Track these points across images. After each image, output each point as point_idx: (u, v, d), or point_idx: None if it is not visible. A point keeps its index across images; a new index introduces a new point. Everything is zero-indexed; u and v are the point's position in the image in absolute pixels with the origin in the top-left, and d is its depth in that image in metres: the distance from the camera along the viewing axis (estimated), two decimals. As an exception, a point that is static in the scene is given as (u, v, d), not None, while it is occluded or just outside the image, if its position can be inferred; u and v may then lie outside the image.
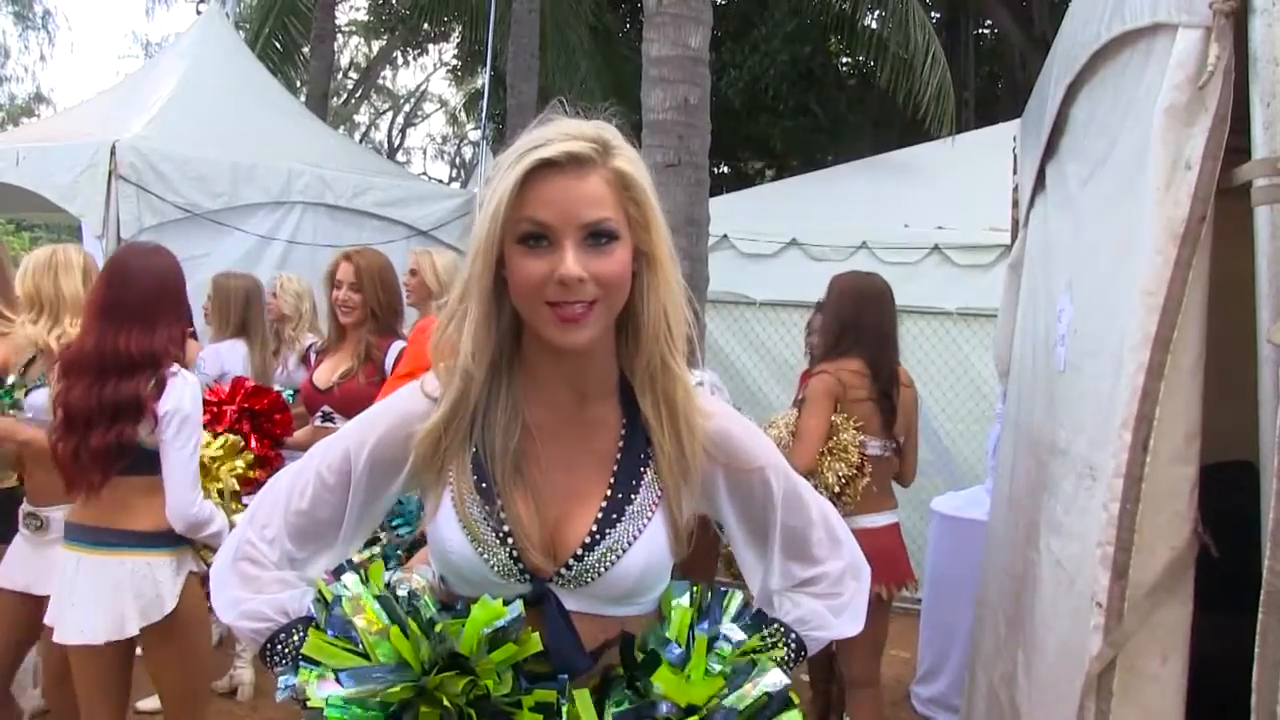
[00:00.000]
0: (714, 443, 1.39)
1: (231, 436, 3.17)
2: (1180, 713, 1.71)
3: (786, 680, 1.38)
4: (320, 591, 1.36)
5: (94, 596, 2.66)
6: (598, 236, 1.25)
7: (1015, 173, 3.75)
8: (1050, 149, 2.83)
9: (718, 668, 1.34)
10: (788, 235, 6.69)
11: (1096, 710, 1.73)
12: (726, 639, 1.37)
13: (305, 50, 13.59)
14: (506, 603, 1.27)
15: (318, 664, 1.28)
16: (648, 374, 1.34)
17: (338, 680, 1.26)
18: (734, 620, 1.41)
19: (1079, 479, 2.02)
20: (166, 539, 2.72)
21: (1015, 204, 3.68)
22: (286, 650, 1.36)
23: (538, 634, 1.27)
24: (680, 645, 1.34)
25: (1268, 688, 1.37)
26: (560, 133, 1.26)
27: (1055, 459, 2.28)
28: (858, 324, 3.63)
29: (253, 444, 3.28)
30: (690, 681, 1.30)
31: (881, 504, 3.63)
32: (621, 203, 1.27)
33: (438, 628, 1.28)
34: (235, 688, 4.43)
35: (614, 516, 1.33)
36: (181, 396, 2.70)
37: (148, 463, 2.70)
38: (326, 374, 3.73)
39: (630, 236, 1.29)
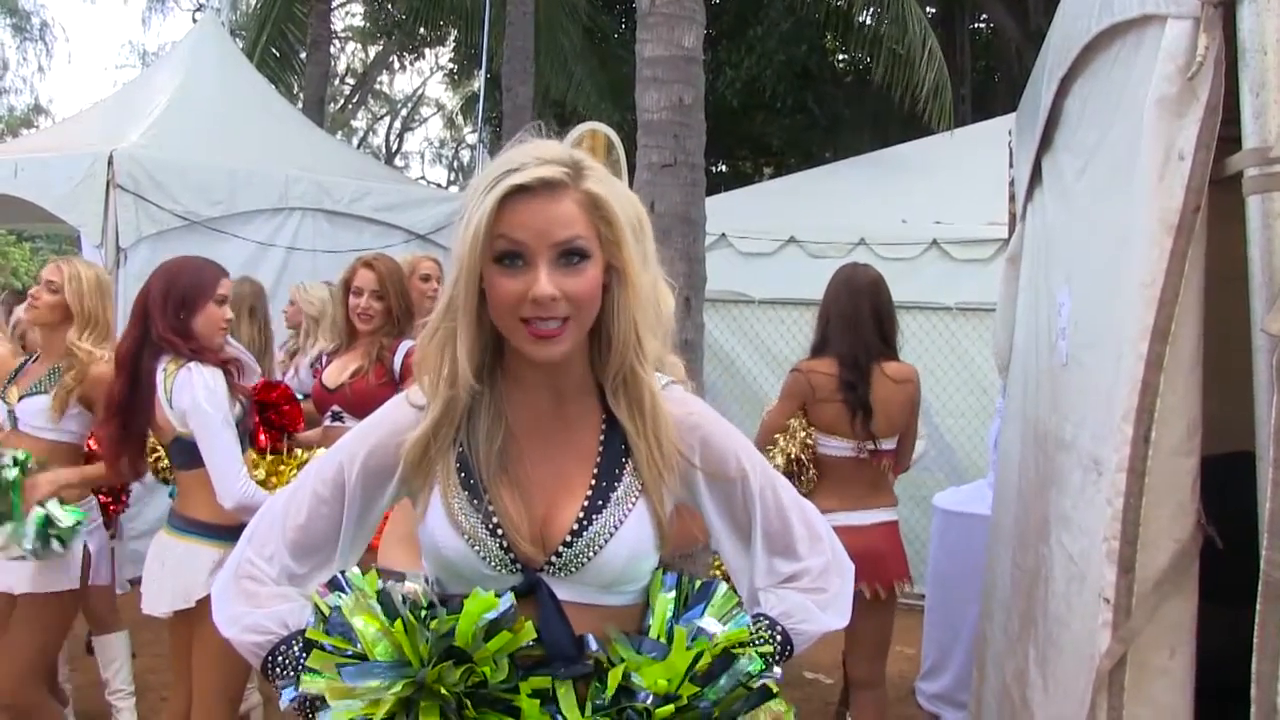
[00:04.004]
0: (688, 444, 1.45)
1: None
2: (1189, 706, 1.71)
3: (762, 664, 1.41)
4: (316, 605, 1.39)
5: (157, 572, 2.92)
6: (570, 255, 1.32)
7: (1011, 166, 3.75)
8: (1045, 142, 2.83)
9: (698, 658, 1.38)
10: (786, 233, 6.68)
11: (1109, 707, 1.72)
12: (704, 631, 1.41)
13: (303, 56, 13.60)
14: (498, 594, 1.31)
15: (320, 674, 1.31)
16: (619, 382, 1.42)
17: (339, 673, 1.30)
18: (719, 611, 1.44)
19: (1085, 473, 2.01)
20: (215, 531, 2.82)
21: (1012, 198, 3.68)
22: (287, 662, 1.40)
23: (531, 622, 1.32)
24: (662, 637, 1.39)
25: (1267, 677, 1.36)
26: (533, 157, 1.33)
27: (1061, 453, 2.28)
28: (829, 316, 3.59)
29: (261, 438, 3.30)
30: (661, 668, 1.34)
31: (870, 502, 3.56)
32: (593, 222, 1.35)
33: (433, 624, 1.32)
34: (247, 714, 4.38)
35: (599, 504, 1.39)
36: (194, 388, 2.81)
37: (195, 456, 2.82)
38: (335, 374, 3.73)
39: (602, 254, 1.36)
